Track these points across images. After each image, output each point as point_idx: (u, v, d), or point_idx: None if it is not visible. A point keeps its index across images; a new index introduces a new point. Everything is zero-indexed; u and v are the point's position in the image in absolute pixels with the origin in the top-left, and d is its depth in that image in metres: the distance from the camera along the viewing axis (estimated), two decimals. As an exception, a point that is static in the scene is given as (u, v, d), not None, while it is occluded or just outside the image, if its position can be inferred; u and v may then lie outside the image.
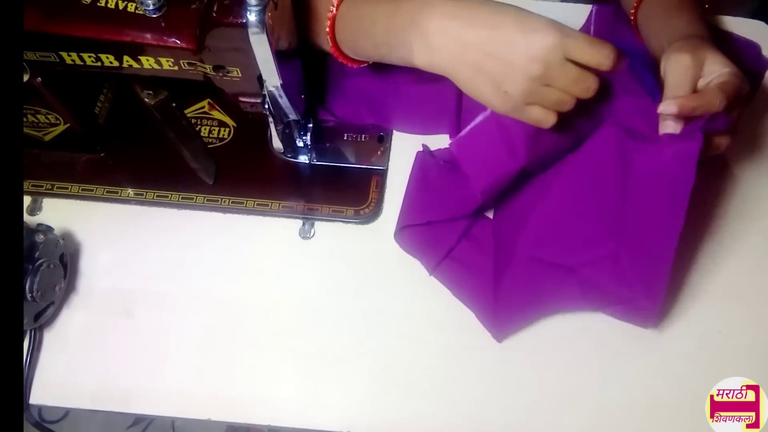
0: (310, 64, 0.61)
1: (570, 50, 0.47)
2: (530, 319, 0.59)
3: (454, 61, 0.50)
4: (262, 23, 0.47)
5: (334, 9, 0.54)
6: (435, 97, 0.65)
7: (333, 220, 0.63)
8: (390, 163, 0.66)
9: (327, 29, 0.55)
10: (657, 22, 0.60)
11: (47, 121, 0.61)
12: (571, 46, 0.47)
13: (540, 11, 0.47)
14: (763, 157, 0.65)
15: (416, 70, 0.64)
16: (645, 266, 0.53)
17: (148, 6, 0.49)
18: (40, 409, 0.63)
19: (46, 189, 0.65)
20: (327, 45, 0.56)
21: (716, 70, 0.51)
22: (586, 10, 0.68)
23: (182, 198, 0.64)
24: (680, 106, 0.49)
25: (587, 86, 0.49)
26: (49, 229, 0.57)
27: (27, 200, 0.65)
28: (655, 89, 0.54)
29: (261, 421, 0.57)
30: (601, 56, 0.47)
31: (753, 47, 0.66)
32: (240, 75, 0.53)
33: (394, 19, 0.51)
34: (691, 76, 0.51)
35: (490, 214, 0.64)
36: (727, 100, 0.49)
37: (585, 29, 0.67)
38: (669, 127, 0.51)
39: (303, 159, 0.66)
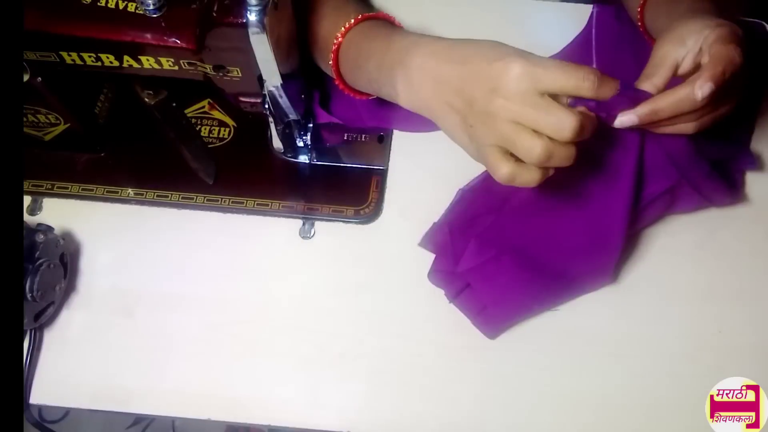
0: (310, 65, 0.61)
1: (540, 79, 0.41)
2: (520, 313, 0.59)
3: (431, 100, 0.48)
4: (262, 23, 0.47)
5: (338, 40, 0.55)
6: None
7: (333, 220, 0.63)
8: (390, 163, 0.65)
9: (330, 63, 0.55)
10: (663, 20, 0.56)
11: (47, 121, 0.61)
12: (539, 74, 0.41)
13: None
14: (763, 156, 0.65)
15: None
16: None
17: (148, 6, 0.49)
18: (40, 409, 0.63)
19: (46, 189, 0.65)
20: (331, 74, 0.57)
21: (698, 39, 0.47)
22: (586, 10, 0.68)
23: (182, 198, 0.64)
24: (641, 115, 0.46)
25: (559, 126, 0.41)
26: (49, 229, 0.57)
27: (27, 200, 0.65)
28: None
29: (261, 421, 0.57)
30: (576, 79, 0.41)
31: (759, 26, 0.66)
32: (240, 75, 0.53)
33: (384, 58, 0.51)
34: (668, 66, 0.48)
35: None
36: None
37: (586, 30, 0.67)
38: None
39: (303, 159, 0.66)
